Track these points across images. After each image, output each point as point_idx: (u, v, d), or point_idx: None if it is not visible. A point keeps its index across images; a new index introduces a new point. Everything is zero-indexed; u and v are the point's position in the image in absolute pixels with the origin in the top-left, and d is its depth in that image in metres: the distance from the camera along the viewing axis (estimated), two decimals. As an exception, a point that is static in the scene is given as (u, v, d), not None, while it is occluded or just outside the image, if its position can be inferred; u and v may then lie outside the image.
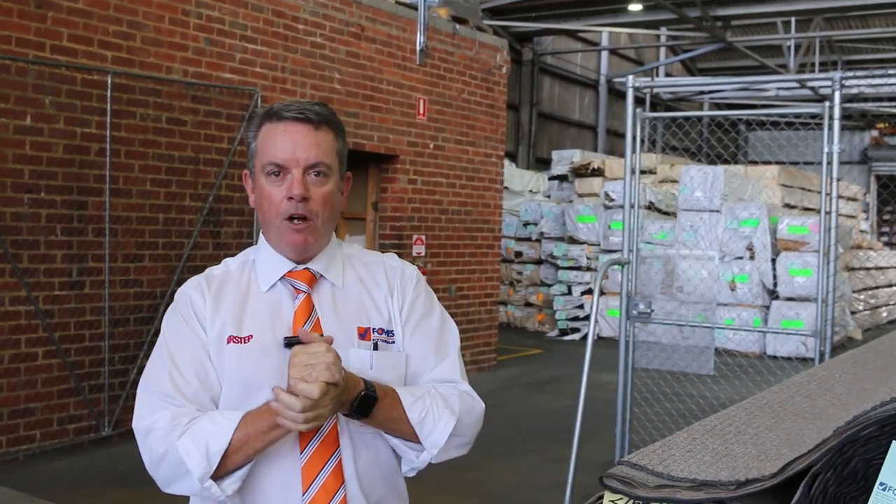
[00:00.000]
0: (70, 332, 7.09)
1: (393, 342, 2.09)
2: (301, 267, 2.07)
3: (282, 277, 2.07)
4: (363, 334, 2.06)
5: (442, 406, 2.02)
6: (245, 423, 1.89)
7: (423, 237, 10.51)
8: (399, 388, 2.00)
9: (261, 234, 2.13)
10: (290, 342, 1.98)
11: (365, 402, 1.91)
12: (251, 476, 1.97)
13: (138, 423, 1.97)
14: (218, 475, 1.90)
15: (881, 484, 1.14)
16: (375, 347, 2.05)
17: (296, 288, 2.07)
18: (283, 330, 2.02)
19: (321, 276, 2.09)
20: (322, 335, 1.97)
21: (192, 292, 2.07)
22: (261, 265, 2.10)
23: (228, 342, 2.00)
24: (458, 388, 2.11)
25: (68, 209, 7.02)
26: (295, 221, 2.00)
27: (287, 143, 2.00)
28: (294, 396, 1.81)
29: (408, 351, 2.11)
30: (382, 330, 2.08)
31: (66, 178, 7.00)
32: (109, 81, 7.16)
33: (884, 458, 1.14)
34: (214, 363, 2.00)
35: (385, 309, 2.11)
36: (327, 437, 1.98)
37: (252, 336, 2.01)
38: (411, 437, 2.01)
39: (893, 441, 1.13)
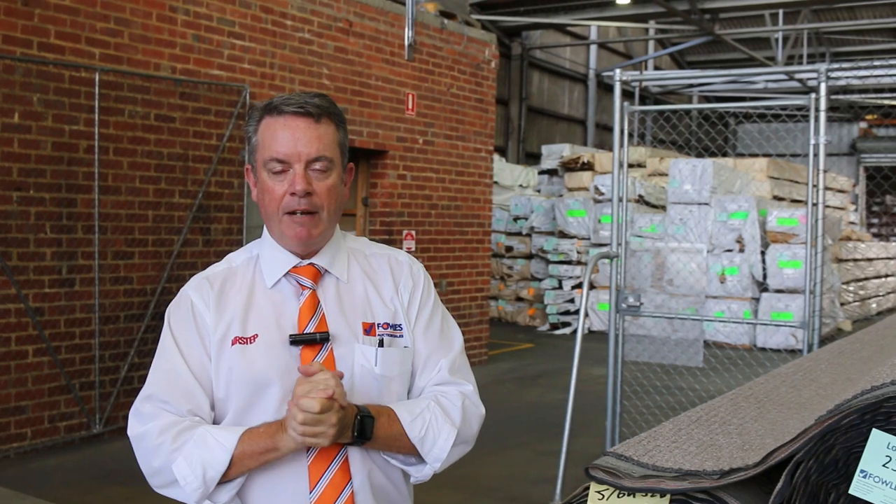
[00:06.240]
0: (60, 329, 7.08)
1: (400, 336, 2.08)
2: (305, 262, 2.06)
3: (286, 273, 2.06)
4: (368, 329, 2.05)
5: (442, 420, 2.02)
6: (242, 442, 1.90)
7: (413, 232, 10.52)
8: (396, 406, 2.00)
9: (265, 229, 2.11)
10: (296, 340, 1.99)
11: (363, 424, 1.91)
12: (256, 475, 1.96)
13: (131, 430, 1.99)
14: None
15: (862, 471, 1.15)
16: (381, 344, 2.04)
17: (301, 284, 2.05)
18: (289, 328, 2.01)
19: (326, 271, 2.07)
20: (328, 332, 1.99)
21: (193, 294, 2.05)
22: (265, 260, 2.08)
23: (234, 343, 1.99)
24: (460, 389, 2.10)
25: (57, 207, 7.01)
26: (297, 215, 1.98)
27: (288, 137, 1.97)
28: (298, 409, 1.82)
29: (416, 347, 2.11)
30: (388, 325, 2.07)
31: (54, 175, 6.98)
32: (97, 79, 7.15)
33: (864, 447, 1.15)
34: (215, 366, 2.00)
35: (391, 303, 2.10)
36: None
37: (257, 335, 2.00)
38: (413, 452, 2.01)
39: (874, 429, 1.15)
